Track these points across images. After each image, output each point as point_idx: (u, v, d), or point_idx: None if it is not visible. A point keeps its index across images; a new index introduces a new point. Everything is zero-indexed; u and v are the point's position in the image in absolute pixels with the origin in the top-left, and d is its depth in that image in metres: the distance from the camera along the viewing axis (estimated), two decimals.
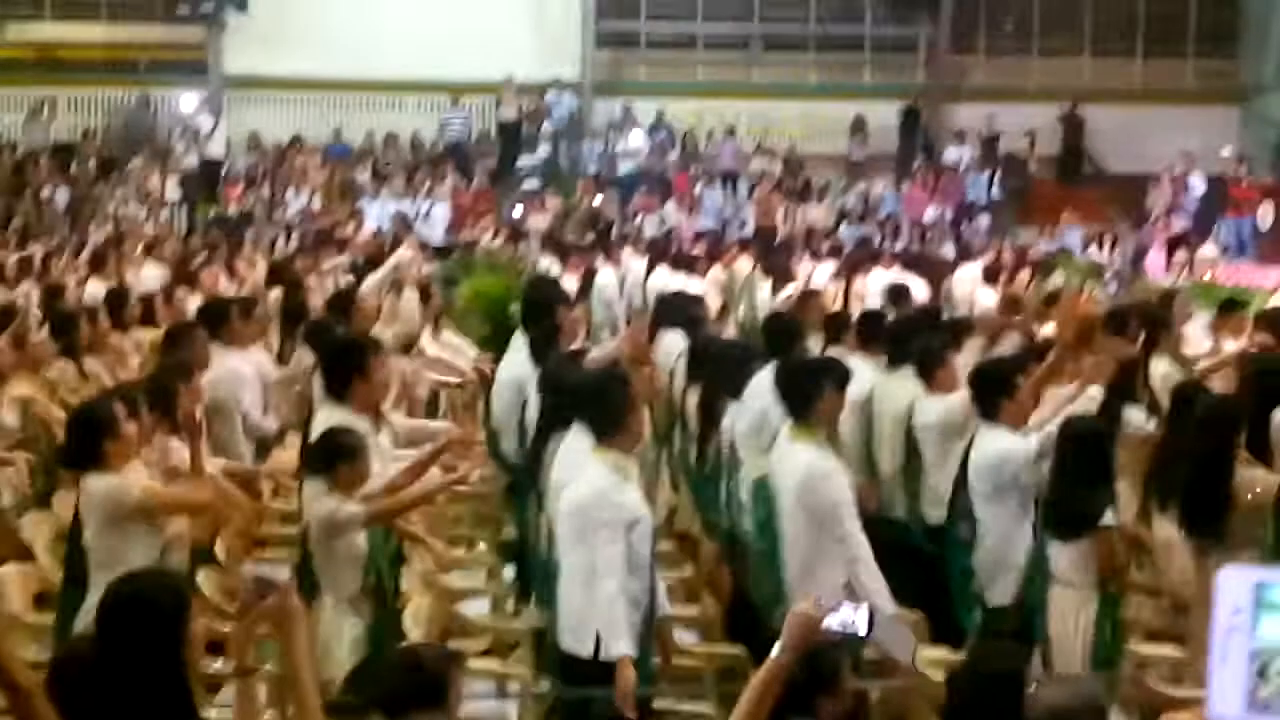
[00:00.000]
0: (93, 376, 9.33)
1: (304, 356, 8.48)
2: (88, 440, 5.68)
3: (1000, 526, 6.30)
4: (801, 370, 6.44)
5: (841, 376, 6.39)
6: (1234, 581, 1.01)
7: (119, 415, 5.72)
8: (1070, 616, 5.72)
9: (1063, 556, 5.76)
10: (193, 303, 10.91)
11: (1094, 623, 5.68)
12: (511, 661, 6.48)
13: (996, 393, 6.51)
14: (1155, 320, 8.84)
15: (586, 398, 5.85)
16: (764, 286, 13.98)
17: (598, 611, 5.29)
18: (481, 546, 8.15)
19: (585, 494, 5.44)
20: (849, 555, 5.90)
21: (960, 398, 6.99)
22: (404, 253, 11.40)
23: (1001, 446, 6.33)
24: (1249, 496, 5.72)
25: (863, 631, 3.73)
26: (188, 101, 23.73)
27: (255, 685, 3.90)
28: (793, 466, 6.05)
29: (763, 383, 6.97)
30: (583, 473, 5.55)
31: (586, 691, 5.44)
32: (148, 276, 13.75)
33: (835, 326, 8.99)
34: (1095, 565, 5.70)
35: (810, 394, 6.12)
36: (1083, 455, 5.80)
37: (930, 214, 22.40)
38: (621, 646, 5.24)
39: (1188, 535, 5.76)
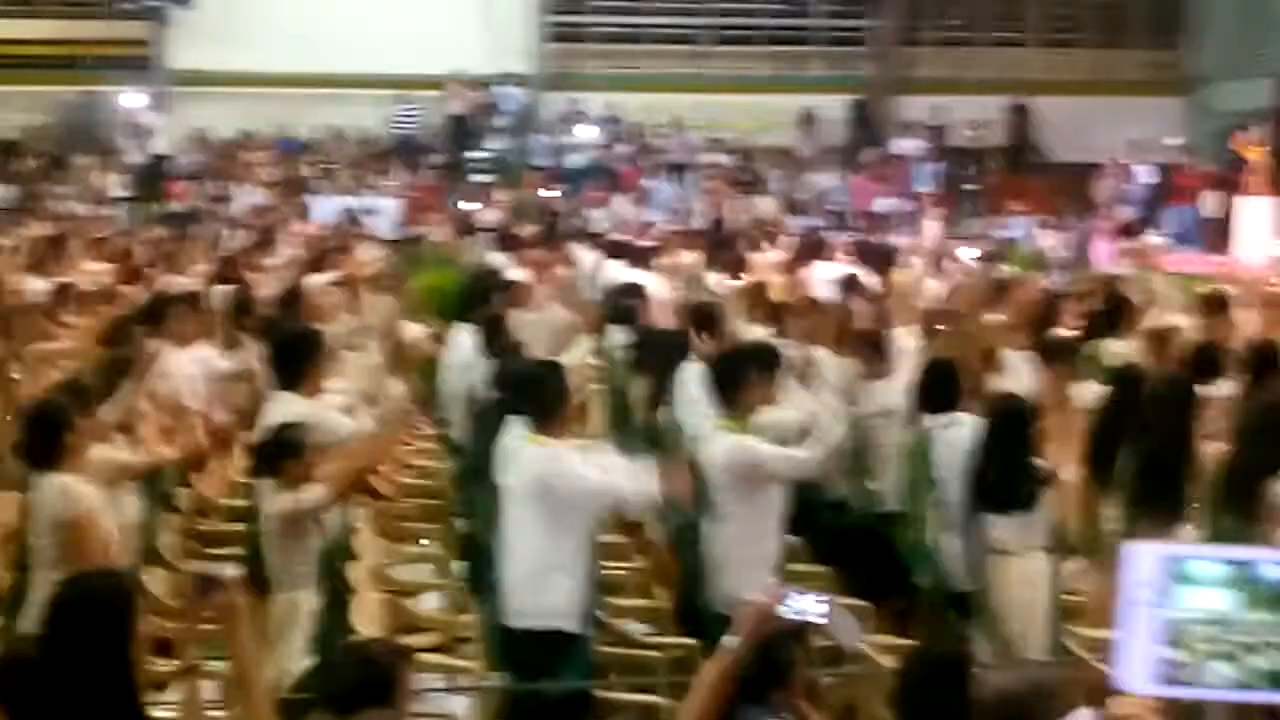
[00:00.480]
0: (35, 373, 9.22)
1: (250, 351, 8.43)
2: (44, 437, 5.63)
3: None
4: (728, 360, 6.45)
5: (769, 363, 6.45)
6: (1142, 556, 1.02)
7: (73, 412, 5.69)
8: (1023, 584, 5.81)
9: (1000, 528, 5.86)
10: (138, 299, 10.78)
11: (1048, 584, 5.78)
12: (462, 656, 6.45)
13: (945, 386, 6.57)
14: (1114, 305, 9.00)
15: (524, 387, 5.88)
16: (714, 278, 13.96)
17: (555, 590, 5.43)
18: (428, 542, 8.11)
19: (548, 468, 5.60)
20: (780, 462, 5.96)
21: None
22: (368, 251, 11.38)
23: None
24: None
25: (817, 620, 3.74)
26: (132, 98, 23.52)
27: (199, 683, 3.87)
28: (714, 453, 6.09)
29: (692, 373, 7.07)
30: (521, 456, 5.65)
31: (537, 686, 5.45)
32: (91, 274, 13.59)
33: (780, 315, 9.04)
34: (1040, 530, 5.82)
35: (736, 383, 6.14)
36: (1010, 432, 5.90)
37: (879, 205, 22.48)
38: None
39: (1137, 516, 5.81)
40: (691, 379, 7.12)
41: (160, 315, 8.76)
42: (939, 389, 6.58)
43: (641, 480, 5.79)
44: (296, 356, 6.67)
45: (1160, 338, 8.39)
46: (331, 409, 6.78)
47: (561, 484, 5.60)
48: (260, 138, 23.62)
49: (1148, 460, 5.89)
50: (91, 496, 5.56)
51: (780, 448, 6.08)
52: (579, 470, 5.64)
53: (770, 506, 6.14)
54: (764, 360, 6.51)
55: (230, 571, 4.16)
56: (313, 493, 5.70)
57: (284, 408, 6.43)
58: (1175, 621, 0.88)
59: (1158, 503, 5.77)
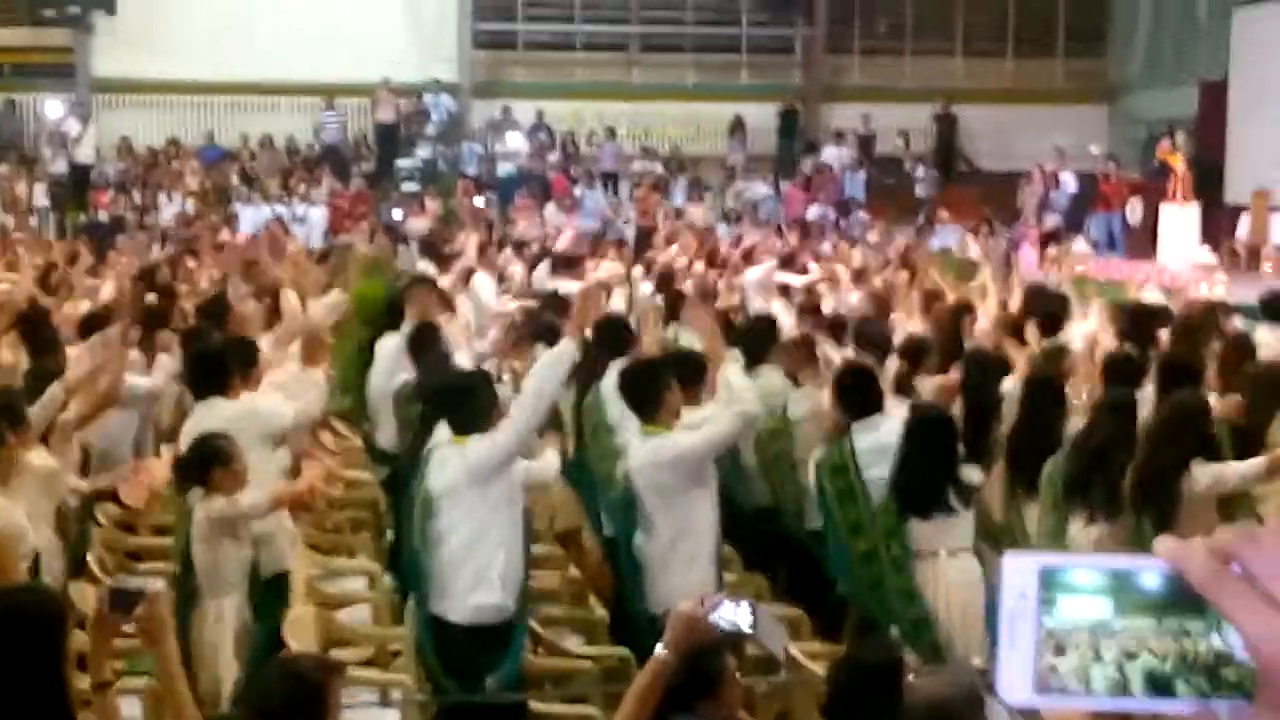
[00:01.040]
0: None
1: (168, 364, 8.35)
2: None
3: None
4: (643, 372, 6.48)
5: (684, 370, 6.48)
6: (1018, 566, 1.03)
7: (2, 427, 5.61)
8: (955, 584, 5.85)
9: (923, 531, 5.91)
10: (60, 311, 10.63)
11: (978, 586, 5.83)
12: (393, 670, 6.41)
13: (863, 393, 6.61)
14: (1051, 312, 9.10)
15: (451, 397, 5.91)
16: (645, 287, 13.97)
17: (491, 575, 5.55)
18: (361, 555, 8.05)
19: (482, 457, 5.66)
20: (704, 441, 6.02)
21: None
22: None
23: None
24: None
25: (747, 628, 3.73)
26: (54, 106, 23.22)
27: (114, 699, 3.81)
28: (639, 458, 6.13)
29: (609, 385, 7.09)
30: (464, 448, 5.72)
31: (467, 696, 5.43)
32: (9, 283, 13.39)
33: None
34: (965, 532, 5.88)
35: (654, 394, 6.17)
36: (927, 438, 5.99)
37: (811, 213, 22.59)
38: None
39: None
40: (611, 390, 7.10)
41: (89, 329, 8.72)
42: (857, 393, 6.60)
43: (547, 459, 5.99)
44: (220, 364, 6.66)
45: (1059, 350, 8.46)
46: (263, 399, 6.79)
47: (485, 454, 5.67)
48: (186, 146, 23.38)
49: (1080, 463, 5.96)
50: (7, 512, 5.47)
51: (698, 430, 6.11)
52: (491, 436, 5.73)
53: (701, 513, 6.14)
54: (678, 368, 6.52)
55: (153, 584, 4.11)
56: (250, 500, 5.68)
57: (211, 414, 6.39)
58: (1056, 630, 0.89)
59: (1086, 504, 5.85)
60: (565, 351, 5.85)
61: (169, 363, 8.17)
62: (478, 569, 5.62)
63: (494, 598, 5.64)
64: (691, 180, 23.67)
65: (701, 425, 6.22)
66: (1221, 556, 0.98)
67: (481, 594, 5.62)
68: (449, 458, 5.74)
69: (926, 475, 5.95)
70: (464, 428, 5.78)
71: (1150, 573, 1.02)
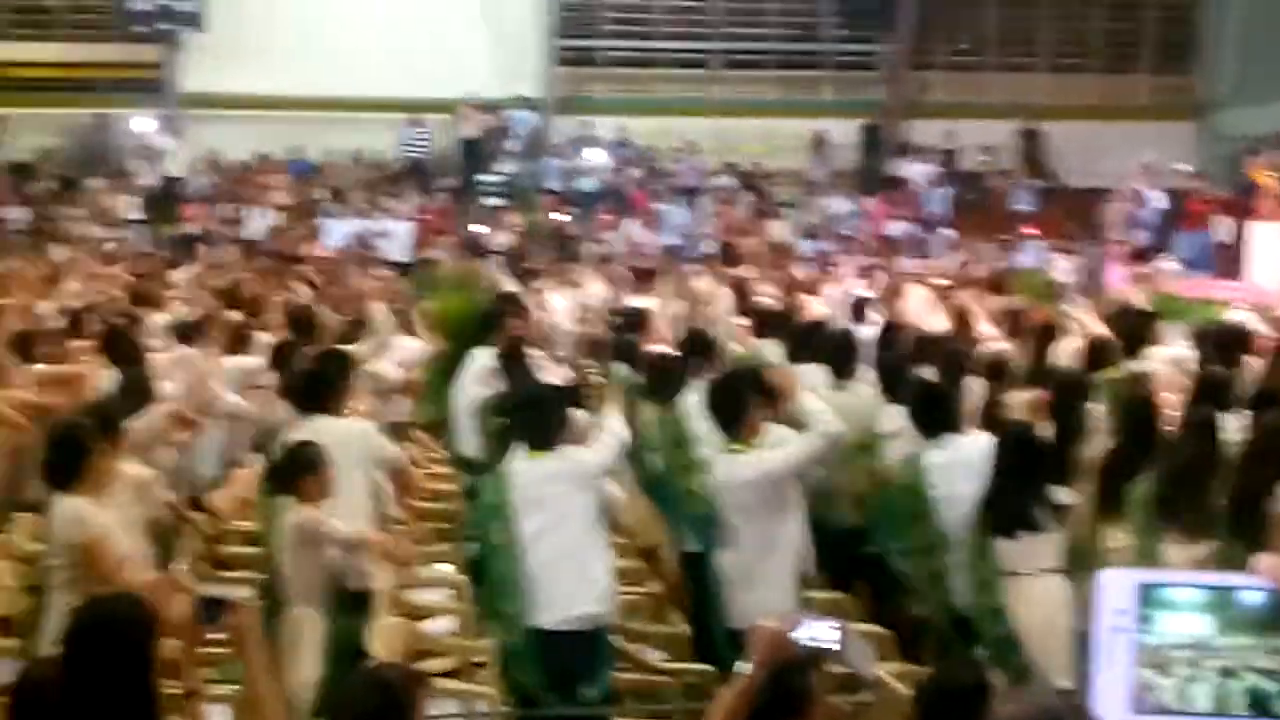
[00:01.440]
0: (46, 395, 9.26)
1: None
2: (68, 458, 5.64)
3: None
4: (725, 387, 6.48)
5: (766, 387, 6.49)
6: (1116, 583, 1.02)
7: (97, 436, 5.70)
8: (1042, 604, 5.81)
9: (1009, 551, 5.86)
10: (153, 321, 10.81)
11: (1064, 606, 5.78)
12: (476, 681, 6.44)
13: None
14: (1133, 331, 9.01)
15: (527, 411, 6.01)
16: (724, 302, 13.98)
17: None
18: (446, 565, 8.09)
19: (581, 459, 5.85)
20: (789, 459, 6.03)
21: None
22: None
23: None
24: None
25: (832, 647, 3.72)
26: (145, 121, 23.61)
27: (202, 707, 3.87)
28: (725, 475, 6.13)
29: (692, 400, 7.11)
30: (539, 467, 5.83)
31: (554, 710, 5.45)
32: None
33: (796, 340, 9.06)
34: (1053, 553, 5.80)
35: (739, 411, 6.17)
36: (1018, 458, 5.95)
37: (891, 229, 22.50)
38: None
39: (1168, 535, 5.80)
40: (695, 406, 7.12)
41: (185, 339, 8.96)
42: (932, 412, 6.56)
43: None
44: (326, 380, 6.72)
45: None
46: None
47: (595, 465, 5.89)
48: (272, 160, 23.68)
49: (1170, 484, 5.90)
50: (105, 520, 5.56)
51: (782, 449, 6.11)
52: (596, 454, 5.91)
53: (783, 530, 6.13)
54: (762, 384, 6.53)
55: (241, 594, 4.17)
56: (333, 528, 5.72)
57: (318, 431, 6.41)
58: (1155, 647, 0.88)
59: (1179, 525, 5.77)
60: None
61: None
62: (577, 578, 5.64)
63: (593, 607, 5.67)
64: (771, 196, 23.66)
65: (783, 444, 6.21)
66: None
67: (581, 604, 5.64)
68: (538, 466, 5.76)
69: (1015, 495, 5.90)
70: (537, 442, 5.82)
71: (1252, 591, 1.01)
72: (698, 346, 8.36)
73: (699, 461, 7.02)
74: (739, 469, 6.05)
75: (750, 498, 6.04)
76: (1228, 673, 0.88)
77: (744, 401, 6.22)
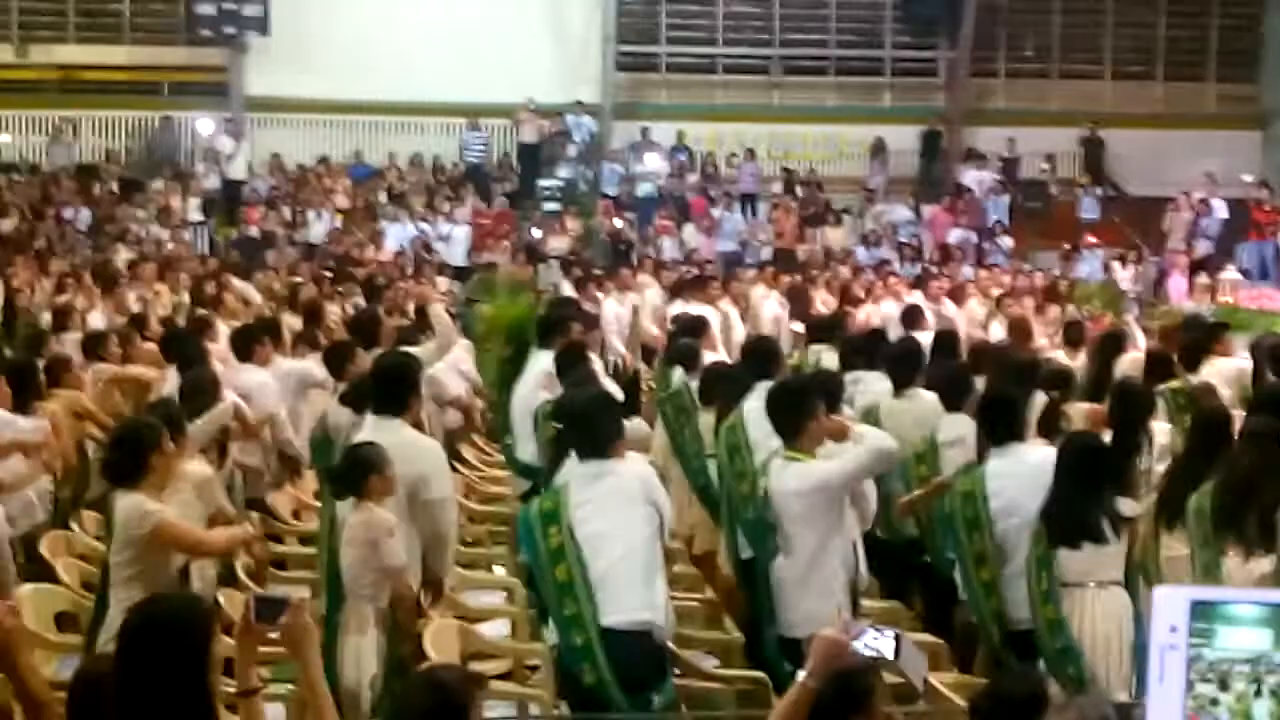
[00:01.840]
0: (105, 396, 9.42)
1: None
2: (131, 456, 5.70)
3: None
4: (788, 393, 6.43)
5: (830, 393, 6.44)
6: (1169, 600, 1.01)
7: (163, 433, 5.77)
8: (1102, 616, 5.75)
9: (1071, 562, 5.80)
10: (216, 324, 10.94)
11: (1125, 618, 5.73)
12: (531, 684, 6.46)
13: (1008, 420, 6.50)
14: (1195, 342, 8.93)
15: (577, 420, 5.97)
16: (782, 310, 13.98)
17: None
18: (500, 568, 8.14)
19: (641, 471, 5.78)
20: (847, 468, 6.01)
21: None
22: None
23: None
24: None
25: (889, 655, 3.72)
26: (209, 123, 23.85)
27: (259, 705, 3.89)
28: (783, 482, 6.08)
29: (753, 406, 7.06)
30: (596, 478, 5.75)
31: (606, 717, 5.44)
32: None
33: (851, 347, 9.05)
34: (1115, 564, 5.75)
35: (799, 416, 6.12)
36: (1081, 467, 5.88)
37: (954, 236, 22.37)
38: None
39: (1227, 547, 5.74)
40: (755, 412, 7.08)
41: (245, 342, 9.05)
42: (999, 420, 6.50)
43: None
44: (401, 384, 6.64)
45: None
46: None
47: (634, 482, 5.74)
48: (334, 164, 23.86)
49: (1230, 495, 5.84)
50: (165, 512, 5.63)
51: (837, 459, 6.08)
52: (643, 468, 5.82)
53: (838, 539, 6.10)
54: (824, 391, 6.51)
55: (298, 594, 4.21)
56: (396, 545, 5.75)
57: (387, 435, 6.35)
58: (1214, 662, 0.88)
59: (1240, 537, 5.71)
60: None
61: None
62: (641, 584, 5.60)
63: (653, 615, 5.63)
64: (830, 203, 23.60)
65: (838, 455, 6.18)
66: None
67: (645, 610, 5.62)
68: (593, 473, 5.74)
69: (1078, 504, 5.85)
70: (587, 451, 5.79)
71: None
72: (762, 353, 8.29)
73: (754, 469, 6.99)
74: (792, 478, 6.02)
75: (803, 506, 6.01)
76: None
77: (805, 409, 6.16)
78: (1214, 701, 1.01)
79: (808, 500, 5.99)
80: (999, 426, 6.46)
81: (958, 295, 15.26)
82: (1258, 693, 1.00)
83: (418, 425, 6.84)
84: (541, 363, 8.49)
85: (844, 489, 6.09)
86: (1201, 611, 1.01)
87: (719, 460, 7.65)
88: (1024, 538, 6.16)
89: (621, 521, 5.65)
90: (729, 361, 9.54)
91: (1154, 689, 1.02)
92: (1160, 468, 7.00)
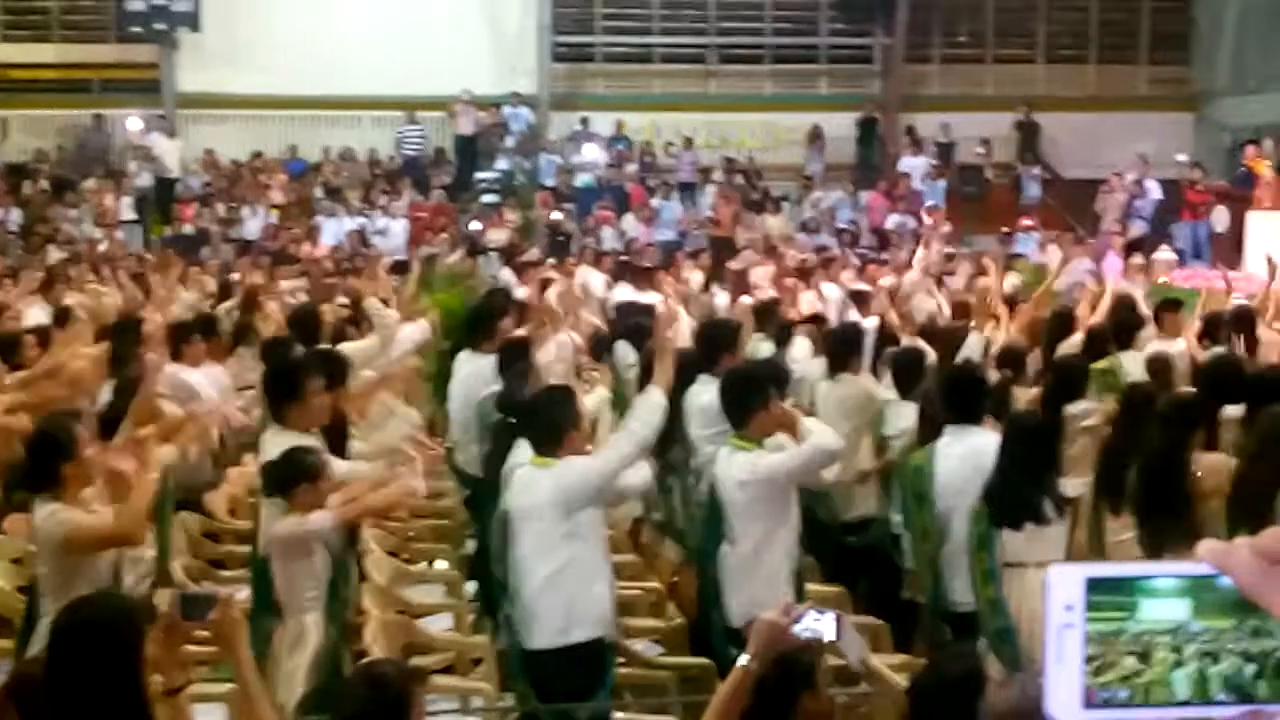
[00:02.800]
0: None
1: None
2: (42, 465, 5.49)
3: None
4: (740, 380, 6.39)
5: (780, 382, 6.43)
6: (1064, 578, 1.00)
7: (79, 437, 5.58)
8: (1042, 597, 5.75)
9: (1013, 542, 5.83)
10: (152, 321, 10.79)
11: None
12: (474, 677, 6.43)
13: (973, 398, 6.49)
14: (1127, 322, 9.00)
15: (530, 413, 5.88)
16: (721, 296, 13.98)
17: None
18: (442, 562, 8.09)
19: (543, 490, 5.57)
20: (794, 462, 5.96)
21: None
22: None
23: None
24: (1197, 475, 5.79)
25: (829, 637, 3.72)
26: (141, 121, 23.59)
27: (186, 704, 3.84)
28: (730, 472, 6.05)
29: (700, 394, 7.04)
30: (529, 479, 5.66)
31: (555, 706, 5.43)
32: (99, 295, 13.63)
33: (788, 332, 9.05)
34: (1057, 545, 5.79)
35: (749, 404, 6.08)
36: (1023, 447, 5.88)
37: (892, 222, 22.48)
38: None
39: (1144, 533, 5.78)
40: (704, 398, 7.08)
41: (180, 339, 8.91)
42: (961, 398, 6.49)
43: (639, 469, 5.90)
44: (281, 390, 6.48)
45: (1163, 360, 8.37)
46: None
47: (577, 483, 5.60)
48: (269, 159, 23.68)
49: (1148, 478, 5.87)
50: (75, 517, 5.45)
51: (779, 455, 6.05)
52: (585, 463, 5.69)
53: (786, 526, 6.09)
54: (775, 380, 6.50)
55: (225, 590, 4.15)
56: (320, 517, 5.60)
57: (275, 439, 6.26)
58: (1139, 634, 0.87)
59: (1160, 519, 5.74)
60: (659, 402, 5.85)
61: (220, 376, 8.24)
62: (569, 604, 5.54)
63: (586, 633, 5.58)
64: (768, 191, 23.65)
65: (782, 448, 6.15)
66: (1267, 555, 0.96)
67: (575, 631, 5.55)
68: (534, 479, 5.67)
69: (1020, 485, 5.85)
70: (542, 445, 5.71)
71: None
72: (717, 340, 8.07)
73: (699, 460, 6.98)
74: (738, 468, 6.00)
75: (748, 497, 6.00)
76: (1207, 656, 0.87)
77: (756, 397, 6.10)
78: (1137, 674, 1.00)
79: (752, 492, 5.97)
80: (959, 405, 6.43)
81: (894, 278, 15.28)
82: (1177, 663, 0.99)
83: (334, 426, 6.70)
84: (470, 364, 8.32)
85: (789, 484, 6.08)
86: (1116, 586, 1.00)
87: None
88: (966, 518, 6.19)
89: (557, 536, 5.55)
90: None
91: (1052, 669, 1.01)
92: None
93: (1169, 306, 9.89)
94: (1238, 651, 1.00)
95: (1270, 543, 0.97)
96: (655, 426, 5.77)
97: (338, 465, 6.46)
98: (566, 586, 5.55)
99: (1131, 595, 1.02)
